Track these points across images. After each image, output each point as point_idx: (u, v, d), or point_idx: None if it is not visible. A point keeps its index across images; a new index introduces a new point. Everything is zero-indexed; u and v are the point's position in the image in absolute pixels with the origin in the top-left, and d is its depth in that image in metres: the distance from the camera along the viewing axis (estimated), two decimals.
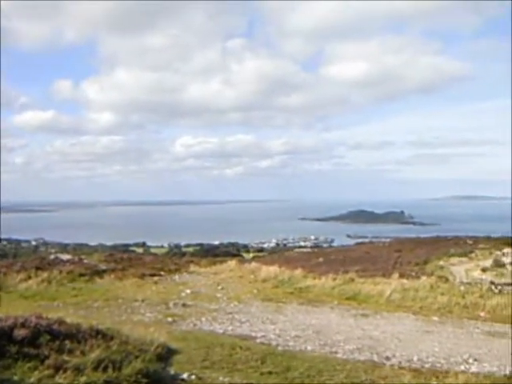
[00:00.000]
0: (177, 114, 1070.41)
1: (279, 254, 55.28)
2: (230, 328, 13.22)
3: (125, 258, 28.40)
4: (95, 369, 6.70)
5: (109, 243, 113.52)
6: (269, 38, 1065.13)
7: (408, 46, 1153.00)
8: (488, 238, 43.60)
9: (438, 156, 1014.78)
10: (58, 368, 6.43)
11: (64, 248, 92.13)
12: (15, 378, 6.01)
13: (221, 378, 8.52)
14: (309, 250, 60.79)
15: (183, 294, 17.93)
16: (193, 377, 8.31)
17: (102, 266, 23.57)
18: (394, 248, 39.69)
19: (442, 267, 29.23)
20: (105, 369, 6.76)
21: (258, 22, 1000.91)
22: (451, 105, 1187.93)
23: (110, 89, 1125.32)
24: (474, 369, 10.39)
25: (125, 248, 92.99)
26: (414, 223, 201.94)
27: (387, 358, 10.92)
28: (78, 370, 6.48)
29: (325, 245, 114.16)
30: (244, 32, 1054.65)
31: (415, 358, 10.98)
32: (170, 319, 13.91)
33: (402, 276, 21.13)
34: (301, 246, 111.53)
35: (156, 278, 21.40)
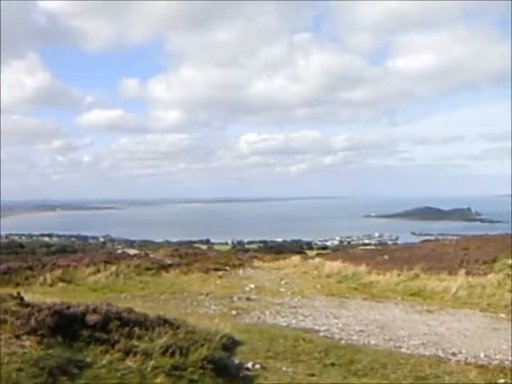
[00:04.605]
0: (243, 111, 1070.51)
1: (343, 251, 54.72)
2: (294, 321, 13.34)
3: (190, 253, 28.95)
4: (163, 354, 6.94)
5: (174, 240, 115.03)
6: (336, 33, 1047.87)
7: (479, 36, 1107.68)
8: None
9: (509, 150, 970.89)
10: (127, 352, 6.69)
11: (130, 244, 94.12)
12: (88, 359, 6.30)
13: (284, 368, 8.64)
14: (373, 247, 59.86)
15: (247, 289, 18.15)
16: (257, 366, 8.46)
17: (168, 261, 24.11)
18: (460, 246, 38.41)
19: (511, 266, 28.23)
20: (172, 354, 6.99)
21: (326, 16, 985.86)
22: None
23: (177, 86, 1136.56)
24: None
25: (189, 245, 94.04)
26: (481, 220, 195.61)
27: (453, 354, 10.78)
28: (147, 355, 6.72)
29: (389, 242, 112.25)
30: (311, 26, 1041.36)
31: (482, 355, 10.79)
32: (234, 312, 14.14)
33: (468, 273, 20.62)
34: (365, 244, 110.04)
35: (220, 273, 21.74)
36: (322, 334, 12.07)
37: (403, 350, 11.03)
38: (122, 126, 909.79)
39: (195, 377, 6.69)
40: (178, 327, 8.76)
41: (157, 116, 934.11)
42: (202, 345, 7.83)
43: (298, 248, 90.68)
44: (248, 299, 16.19)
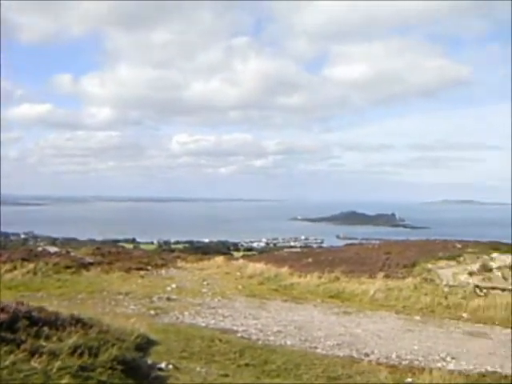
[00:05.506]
0: (176, 112, 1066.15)
1: (269, 253, 55.20)
2: (213, 322, 13.33)
3: (112, 252, 28.35)
4: (71, 354, 6.72)
5: (98, 238, 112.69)
6: (274, 38, 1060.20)
7: (411, 49, 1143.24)
8: (477, 243, 43.32)
9: (435, 159, 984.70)
10: (33, 352, 6.46)
11: (53, 242, 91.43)
12: None
13: (198, 369, 8.61)
14: (298, 250, 60.67)
15: (168, 289, 17.98)
16: (170, 366, 8.38)
17: (89, 259, 23.55)
18: (383, 250, 39.43)
19: (429, 270, 29.16)
20: (81, 355, 6.78)
21: (265, 21, 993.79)
22: (452, 108, 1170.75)
23: (111, 84, 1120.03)
24: (451, 366, 10.54)
25: (114, 244, 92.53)
26: (404, 226, 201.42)
27: (366, 355, 11.09)
28: (54, 355, 6.51)
29: (315, 245, 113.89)
30: (250, 31, 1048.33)
31: (394, 355, 11.14)
32: (152, 312, 14.00)
33: (387, 276, 21.22)
34: (291, 246, 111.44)
35: (142, 272, 21.44)
36: (239, 334, 12.11)
37: (318, 350, 11.24)
38: (52, 121, 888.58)
39: (104, 378, 6.52)
40: (90, 327, 8.56)
41: (89, 112, 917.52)
42: (114, 345, 7.66)
43: (225, 249, 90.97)
44: (168, 299, 16.05)
